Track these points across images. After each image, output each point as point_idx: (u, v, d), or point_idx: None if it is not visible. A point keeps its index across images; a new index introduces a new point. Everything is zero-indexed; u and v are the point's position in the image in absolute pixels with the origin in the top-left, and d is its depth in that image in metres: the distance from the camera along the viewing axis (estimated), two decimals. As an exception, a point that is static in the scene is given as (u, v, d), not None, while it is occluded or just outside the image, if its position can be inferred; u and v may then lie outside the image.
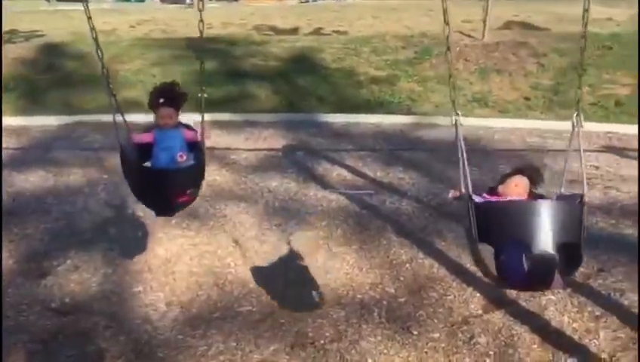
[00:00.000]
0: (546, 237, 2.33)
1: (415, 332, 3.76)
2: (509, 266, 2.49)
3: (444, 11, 2.70)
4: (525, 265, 2.41)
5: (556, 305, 4.00)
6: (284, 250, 4.77)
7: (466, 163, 2.62)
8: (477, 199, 2.60)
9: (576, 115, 2.68)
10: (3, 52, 10.75)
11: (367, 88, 10.23)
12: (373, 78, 10.57)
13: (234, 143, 7.69)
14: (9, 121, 8.85)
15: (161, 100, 3.40)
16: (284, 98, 9.91)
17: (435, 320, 3.88)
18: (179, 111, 3.45)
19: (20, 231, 5.10)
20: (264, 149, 7.53)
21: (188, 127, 3.50)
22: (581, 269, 4.41)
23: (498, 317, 3.90)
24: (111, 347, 3.64)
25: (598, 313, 3.91)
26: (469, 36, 12.45)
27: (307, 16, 16.87)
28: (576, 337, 3.70)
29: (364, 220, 5.34)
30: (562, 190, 2.82)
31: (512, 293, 4.13)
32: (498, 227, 2.44)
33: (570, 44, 10.80)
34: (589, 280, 4.30)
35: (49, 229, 5.15)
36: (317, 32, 14.88)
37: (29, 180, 6.32)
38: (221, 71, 10.65)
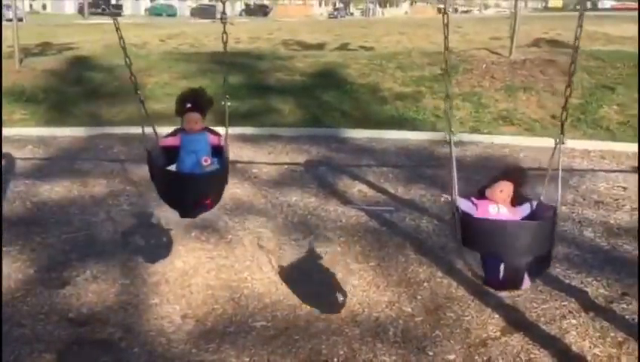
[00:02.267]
0: (519, 251, 2.71)
1: (430, 353, 3.69)
2: (489, 271, 2.90)
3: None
4: (501, 272, 2.78)
5: (577, 330, 3.90)
6: (301, 266, 4.75)
7: (455, 172, 2.92)
8: (463, 206, 2.91)
9: (560, 134, 3.07)
10: (34, 64, 11.01)
11: (391, 104, 10.20)
12: (398, 94, 10.54)
13: (256, 157, 7.72)
14: (37, 131, 9.04)
15: (188, 105, 3.55)
16: (308, 113, 9.93)
17: (452, 341, 3.80)
18: (204, 116, 3.60)
19: (42, 240, 5.17)
20: (286, 163, 7.54)
21: (212, 131, 3.66)
22: (604, 292, 4.34)
23: (517, 340, 3.80)
24: (125, 358, 3.64)
25: (620, 338, 3.79)
26: (496, 53, 12.39)
27: (334, 31, 16.98)
28: (597, 363, 3.59)
29: (383, 237, 5.29)
30: (542, 198, 3.14)
31: (532, 316, 4.05)
32: (480, 238, 2.82)
33: (600, 62, 10.65)
34: (612, 305, 4.18)
35: (70, 239, 5.19)
36: (343, 47, 14.95)
37: (54, 190, 6.41)
38: (246, 85, 10.76)
